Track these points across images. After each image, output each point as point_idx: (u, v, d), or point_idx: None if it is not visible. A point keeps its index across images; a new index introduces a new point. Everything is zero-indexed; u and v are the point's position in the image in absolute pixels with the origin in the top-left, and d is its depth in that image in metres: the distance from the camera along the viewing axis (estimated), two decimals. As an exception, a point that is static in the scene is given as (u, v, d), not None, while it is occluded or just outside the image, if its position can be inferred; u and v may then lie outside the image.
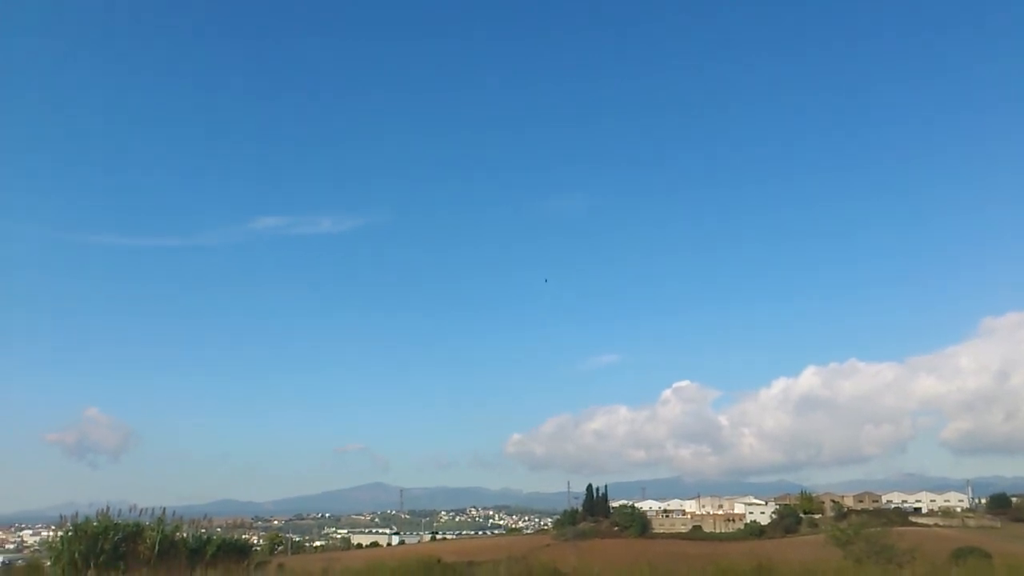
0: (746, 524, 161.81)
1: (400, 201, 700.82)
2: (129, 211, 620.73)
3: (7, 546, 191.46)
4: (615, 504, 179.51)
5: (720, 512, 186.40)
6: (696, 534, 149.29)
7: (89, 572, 28.66)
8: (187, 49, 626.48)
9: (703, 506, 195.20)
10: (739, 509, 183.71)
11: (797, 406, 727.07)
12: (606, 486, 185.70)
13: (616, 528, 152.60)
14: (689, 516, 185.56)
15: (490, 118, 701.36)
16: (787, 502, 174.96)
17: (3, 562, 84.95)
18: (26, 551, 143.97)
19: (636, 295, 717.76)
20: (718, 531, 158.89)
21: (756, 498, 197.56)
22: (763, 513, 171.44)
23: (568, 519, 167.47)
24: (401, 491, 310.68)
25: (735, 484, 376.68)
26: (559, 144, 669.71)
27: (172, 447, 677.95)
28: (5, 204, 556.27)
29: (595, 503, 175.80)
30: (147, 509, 32.40)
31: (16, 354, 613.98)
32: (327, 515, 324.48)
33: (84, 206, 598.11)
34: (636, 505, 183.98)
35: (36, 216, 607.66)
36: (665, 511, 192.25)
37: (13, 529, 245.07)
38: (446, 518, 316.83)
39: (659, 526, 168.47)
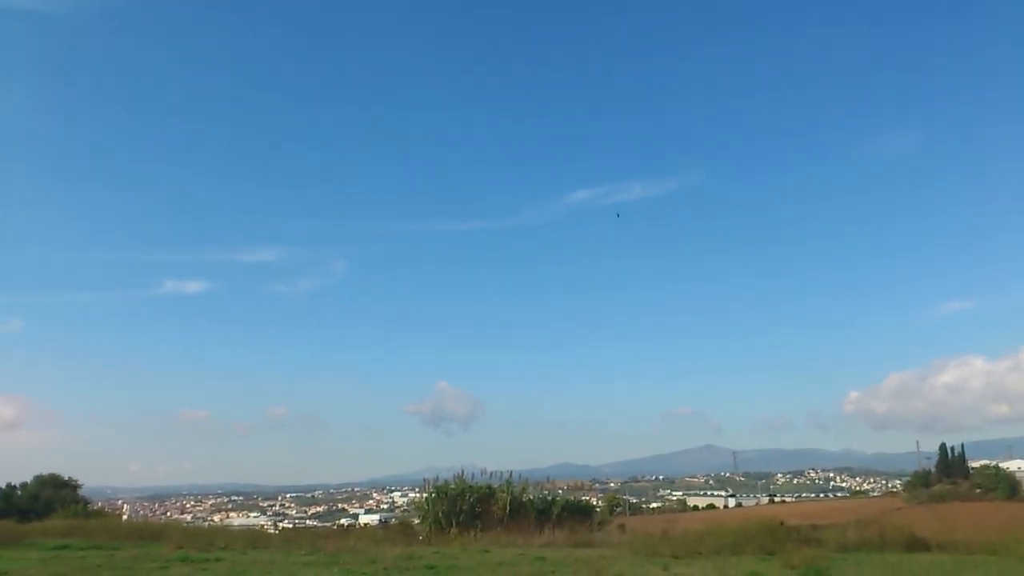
0: None
1: (712, 161, 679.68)
2: (456, 199, 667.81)
3: (382, 506, 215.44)
4: (975, 464, 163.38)
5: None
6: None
7: (452, 530, 31.61)
8: (492, 34, 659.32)
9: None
10: None
11: None
12: (962, 445, 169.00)
13: (978, 490, 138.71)
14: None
15: (808, 64, 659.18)
16: None
17: (380, 520, 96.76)
18: (397, 510, 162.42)
19: (987, 234, 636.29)
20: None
21: None
22: None
23: (920, 480, 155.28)
24: (735, 453, 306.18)
25: None
26: (886, 79, 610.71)
27: (513, 415, 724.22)
28: (361, 207, 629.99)
29: (950, 463, 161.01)
30: (496, 472, 35.32)
31: (380, 336, 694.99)
32: (661, 477, 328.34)
33: (418, 200, 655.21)
34: (1001, 465, 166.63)
35: (383, 214, 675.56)
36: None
37: (386, 491, 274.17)
38: (783, 480, 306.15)
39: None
